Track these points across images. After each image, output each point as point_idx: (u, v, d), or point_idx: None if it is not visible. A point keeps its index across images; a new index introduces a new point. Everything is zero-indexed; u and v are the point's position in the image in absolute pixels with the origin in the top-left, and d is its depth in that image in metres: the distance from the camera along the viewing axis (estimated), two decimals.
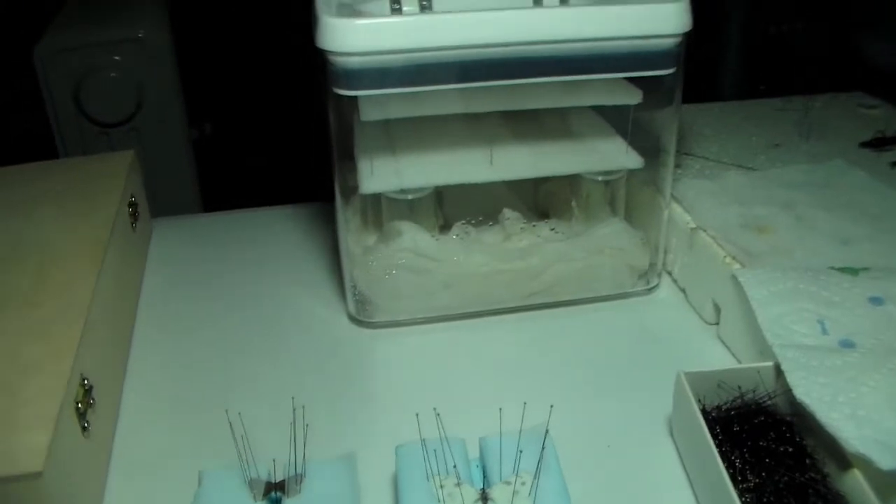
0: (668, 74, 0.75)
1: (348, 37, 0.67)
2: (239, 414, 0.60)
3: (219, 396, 0.73)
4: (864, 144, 1.02)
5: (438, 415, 0.58)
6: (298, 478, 0.58)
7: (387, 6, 0.78)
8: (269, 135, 1.78)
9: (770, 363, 0.65)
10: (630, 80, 0.79)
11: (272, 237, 0.99)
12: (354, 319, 0.82)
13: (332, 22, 0.67)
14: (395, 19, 0.69)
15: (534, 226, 0.84)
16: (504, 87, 0.73)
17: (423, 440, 0.58)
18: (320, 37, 0.68)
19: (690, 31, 0.73)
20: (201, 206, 1.65)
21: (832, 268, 0.73)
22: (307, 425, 0.59)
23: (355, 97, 0.72)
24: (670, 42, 0.73)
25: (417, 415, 0.58)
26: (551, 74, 0.73)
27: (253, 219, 1.04)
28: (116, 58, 1.46)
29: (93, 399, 0.63)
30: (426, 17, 0.71)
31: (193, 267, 0.93)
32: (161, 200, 1.52)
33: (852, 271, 0.72)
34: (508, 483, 0.56)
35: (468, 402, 0.70)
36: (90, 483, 0.62)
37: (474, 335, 0.81)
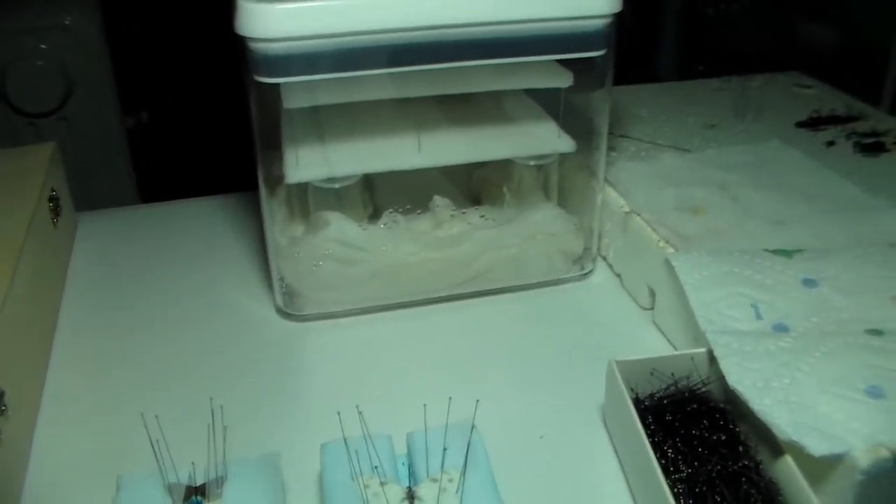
0: (599, 56, 0.74)
1: (268, 22, 0.65)
2: (156, 417, 0.58)
3: (142, 399, 0.70)
4: (800, 124, 1.01)
5: (361, 413, 0.56)
6: (220, 480, 0.56)
7: None
8: (211, 123, 1.74)
9: (704, 350, 0.63)
10: (561, 62, 0.77)
11: (201, 229, 0.96)
12: (283, 312, 0.80)
13: (251, 7, 0.65)
14: (317, 3, 0.67)
15: (464, 213, 0.82)
16: (433, 71, 0.71)
17: (344, 439, 0.56)
18: (238, 22, 0.66)
19: (621, 11, 0.71)
20: (139, 197, 1.61)
21: (766, 250, 0.72)
22: (225, 427, 0.57)
23: (278, 84, 0.70)
24: (599, 23, 0.71)
25: (339, 413, 0.56)
26: (481, 57, 0.71)
27: (181, 210, 1.01)
28: (43, 45, 1.42)
29: (4, 406, 0.60)
30: (350, 1, 0.69)
31: (119, 262, 0.90)
32: (95, 193, 1.49)
33: (786, 253, 0.71)
34: (435, 480, 0.54)
35: (399, 395, 0.69)
36: (4, 493, 0.59)
37: (406, 325, 0.79)
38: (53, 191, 0.87)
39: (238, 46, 0.68)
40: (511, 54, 0.72)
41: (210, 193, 1.04)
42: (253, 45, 0.66)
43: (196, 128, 1.75)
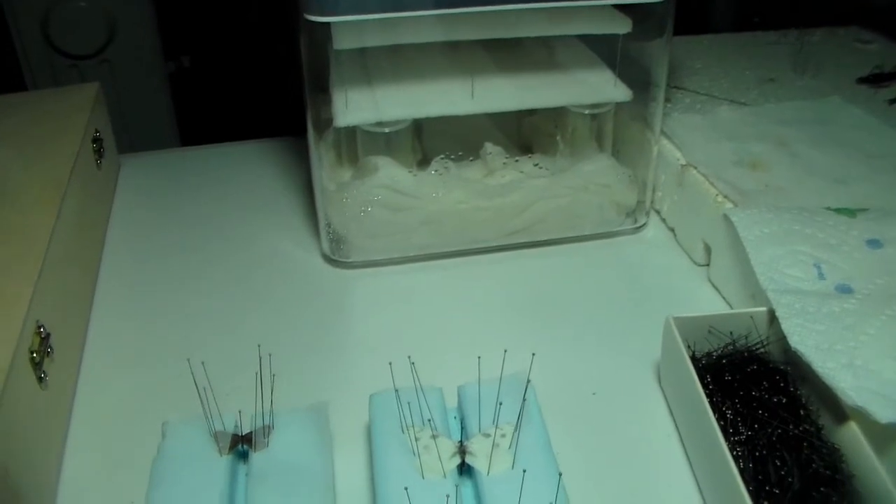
0: (660, 2, 0.71)
1: None
2: (202, 363, 0.57)
3: (186, 344, 0.69)
4: (861, 80, 0.98)
5: (413, 364, 0.54)
6: (266, 430, 0.55)
7: None
8: (253, 67, 1.72)
9: (763, 308, 0.62)
10: (619, 7, 0.74)
11: (245, 173, 0.95)
12: (329, 259, 0.79)
13: None
14: None
15: (516, 161, 0.80)
16: (487, 14, 0.69)
17: (396, 390, 0.54)
18: None
19: None
20: (179, 141, 1.60)
21: (828, 208, 0.69)
22: (273, 375, 0.55)
23: (328, 24, 0.67)
24: None
25: (391, 364, 0.54)
26: (536, 0, 0.68)
27: (225, 154, 1.00)
28: None
29: (50, 348, 0.59)
30: None
31: (162, 205, 0.89)
32: (137, 135, 1.48)
33: (849, 212, 0.69)
34: (488, 435, 0.53)
35: (447, 346, 0.68)
36: (49, 436, 0.58)
37: (454, 275, 0.78)
38: (97, 131, 0.86)
39: None
40: None
41: (250, 139, 1.03)
42: None
43: (237, 73, 1.74)
